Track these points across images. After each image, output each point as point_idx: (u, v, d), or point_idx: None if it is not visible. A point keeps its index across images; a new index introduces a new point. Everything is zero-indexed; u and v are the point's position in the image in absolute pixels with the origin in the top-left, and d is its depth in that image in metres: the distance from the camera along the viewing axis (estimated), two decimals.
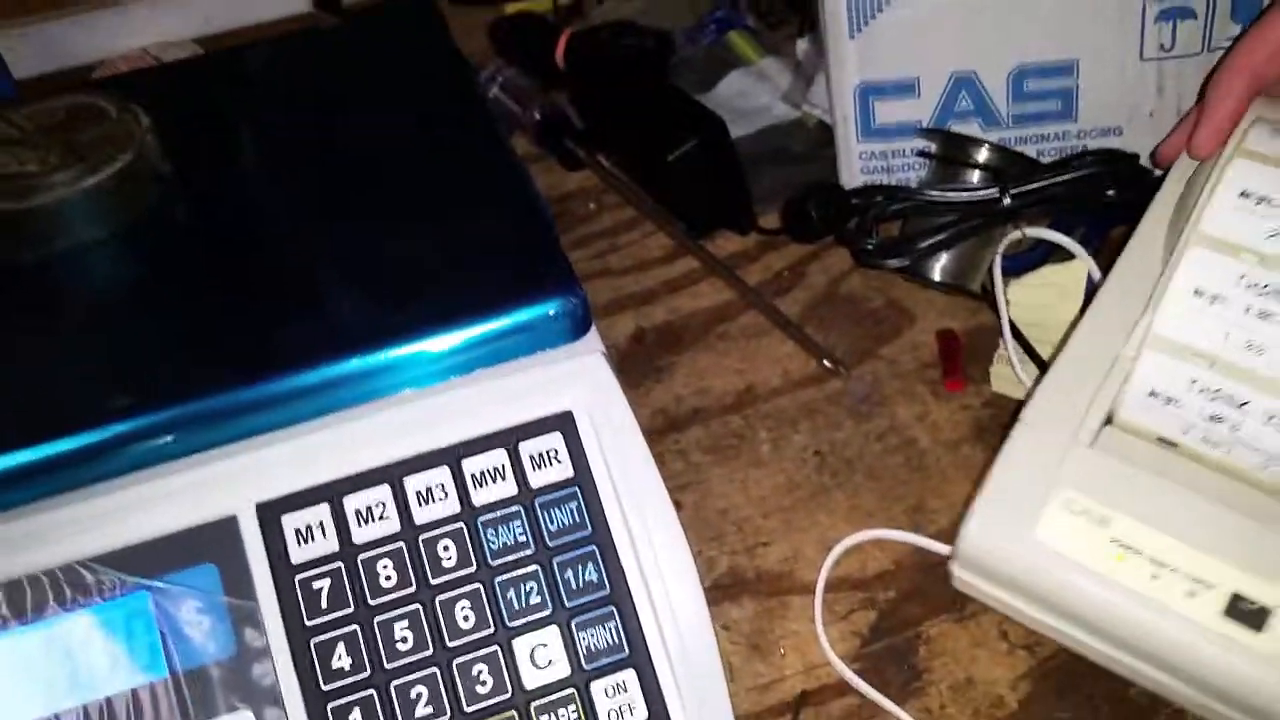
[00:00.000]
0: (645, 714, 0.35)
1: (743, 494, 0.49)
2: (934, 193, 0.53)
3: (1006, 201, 0.51)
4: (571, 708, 0.35)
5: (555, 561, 0.36)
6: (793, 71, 0.68)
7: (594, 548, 0.36)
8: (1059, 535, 0.36)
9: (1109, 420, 0.39)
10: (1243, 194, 0.38)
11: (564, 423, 0.38)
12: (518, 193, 0.44)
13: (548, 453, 0.37)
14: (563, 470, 0.37)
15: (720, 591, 0.45)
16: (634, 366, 0.55)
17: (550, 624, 0.36)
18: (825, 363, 0.53)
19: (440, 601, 0.35)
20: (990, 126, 0.57)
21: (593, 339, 0.40)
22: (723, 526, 0.48)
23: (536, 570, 0.36)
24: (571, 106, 0.67)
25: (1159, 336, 0.38)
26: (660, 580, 0.37)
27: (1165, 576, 0.35)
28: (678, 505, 0.48)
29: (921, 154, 0.57)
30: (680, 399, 0.53)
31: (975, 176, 0.54)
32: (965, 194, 0.52)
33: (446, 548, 0.36)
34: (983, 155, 0.54)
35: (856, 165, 0.60)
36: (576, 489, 0.37)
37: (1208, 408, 0.37)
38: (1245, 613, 0.33)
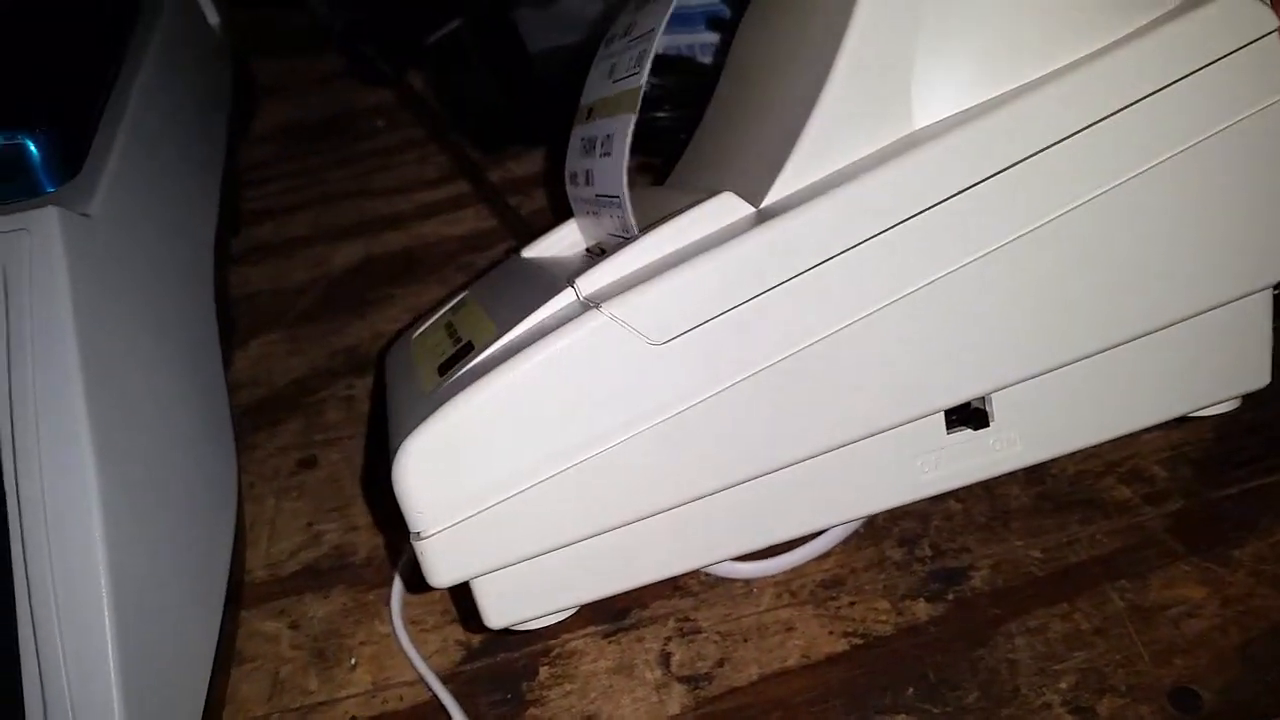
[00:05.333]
0: None
1: None
2: None
3: None
4: None
5: None
6: None
7: None
8: None
9: None
10: None
11: None
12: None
13: None
14: None
15: (309, 578, 0.32)
16: (341, 297, 0.43)
17: None
18: None
19: None
20: None
21: (73, 196, 0.28)
22: (354, 495, 0.35)
23: None
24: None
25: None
26: (44, 529, 0.24)
27: None
28: (313, 463, 0.36)
29: None
30: (379, 337, 0.41)
31: None
32: None
33: None
34: None
35: None
36: None
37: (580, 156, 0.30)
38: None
